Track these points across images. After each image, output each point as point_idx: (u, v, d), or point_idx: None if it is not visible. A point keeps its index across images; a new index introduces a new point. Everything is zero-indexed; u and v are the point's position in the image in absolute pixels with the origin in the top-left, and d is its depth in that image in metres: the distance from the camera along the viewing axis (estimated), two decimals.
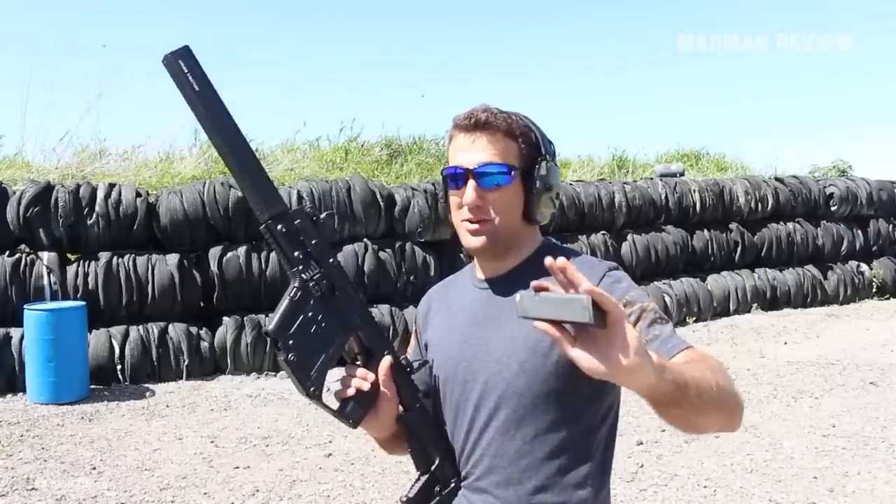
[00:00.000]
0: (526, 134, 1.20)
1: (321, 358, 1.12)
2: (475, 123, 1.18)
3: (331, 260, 1.14)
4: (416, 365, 1.23)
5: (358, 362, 1.20)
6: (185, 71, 1.05)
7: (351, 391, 1.15)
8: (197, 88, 1.06)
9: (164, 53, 1.04)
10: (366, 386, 1.15)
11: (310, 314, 1.12)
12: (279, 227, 1.10)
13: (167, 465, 4.29)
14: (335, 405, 1.16)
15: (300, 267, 1.11)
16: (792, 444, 4.60)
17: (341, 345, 1.16)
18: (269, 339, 1.11)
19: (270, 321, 1.10)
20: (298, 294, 1.11)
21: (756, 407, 5.39)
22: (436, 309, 1.34)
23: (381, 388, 1.16)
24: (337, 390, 1.16)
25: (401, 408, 1.20)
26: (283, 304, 1.11)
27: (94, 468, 4.23)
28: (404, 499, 1.20)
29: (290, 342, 1.09)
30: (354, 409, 1.16)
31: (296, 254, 1.11)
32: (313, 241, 1.12)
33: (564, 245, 1.34)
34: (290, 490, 3.94)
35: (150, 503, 3.77)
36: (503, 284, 1.22)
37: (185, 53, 1.06)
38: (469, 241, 1.20)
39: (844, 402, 5.52)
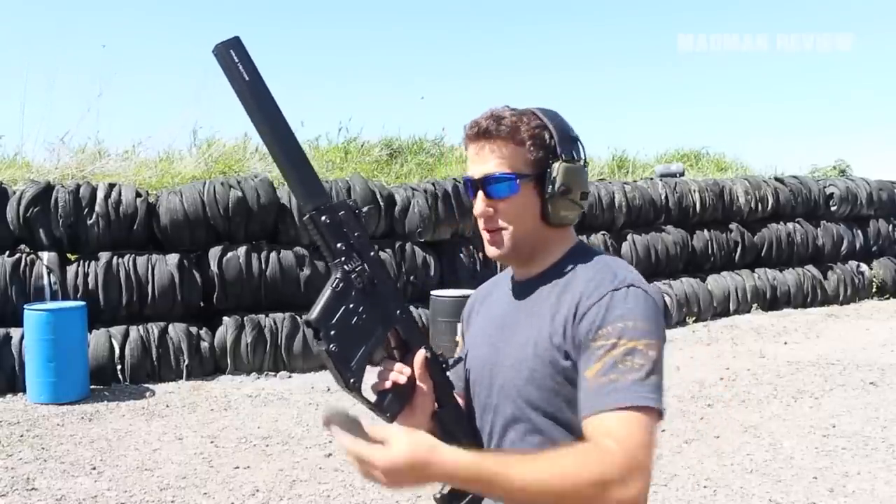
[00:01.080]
0: (536, 136, 1.15)
1: (361, 350, 1.11)
2: (478, 132, 1.16)
3: (371, 253, 1.14)
4: (451, 362, 1.22)
5: (393, 357, 1.19)
6: (236, 61, 1.05)
7: (388, 384, 1.14)
8: (247, 78, 1.06)
9: (214, 44, 1.04)
10: (402, 379, 1.14)
11: (351, 306, 1.11)
12: (323, 218, 1.09)
13: (167, 465, 4.29)
14: (373, 398, 1.15)
15: (342, 259, 1.11)
16: (792, 444, 4.60)
17: (381, 338, 1.15)
18: (309, 328, 1.09)
19: (312, 311, 1.08)
20: (341, 285, 1.10)
21: (756, 407, 5.40)
22: (477, 309, 1.34)
23: (418, 383, 1.16)
24: (374, 383, 1.16)
25: (436, 404, 1.20)
26: (326, 294, 1.10)
27: (94, 468, 4.22)
28: (438, 495, 1.19)
29: (332, 332, 1.08)
30: (392, 403, 1.15)
31: (339, 245, 1.11)
32: (356, 234, 1.12)
33: (593, 247, 1.31)
34: (290, 490, 3.94)
35: (150, 503, 3.77)
36: (530, 288, 1.21)
37: (236, 43, 1.06)
38: (487, 250, 1.21)
39: (844, 402, 5.52)
